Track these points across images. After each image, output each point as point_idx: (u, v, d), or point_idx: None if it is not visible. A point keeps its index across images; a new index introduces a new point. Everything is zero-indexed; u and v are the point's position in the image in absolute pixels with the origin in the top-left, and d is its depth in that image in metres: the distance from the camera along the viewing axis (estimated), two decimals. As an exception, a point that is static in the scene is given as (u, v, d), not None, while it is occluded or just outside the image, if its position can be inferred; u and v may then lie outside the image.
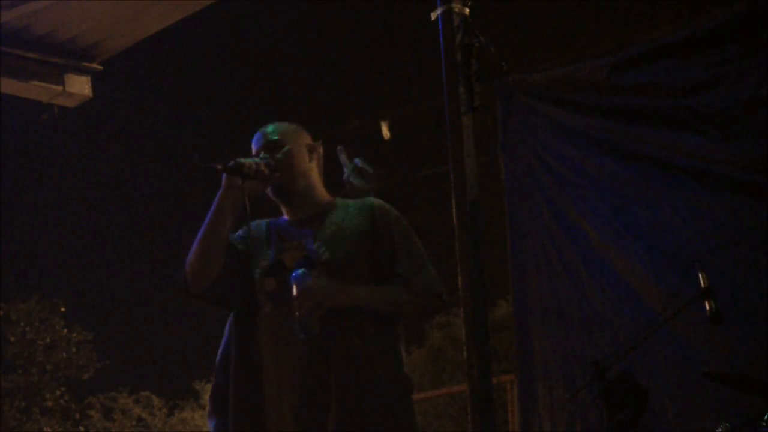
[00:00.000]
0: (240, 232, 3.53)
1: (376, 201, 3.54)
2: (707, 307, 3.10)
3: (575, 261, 3.95)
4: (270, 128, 3.57)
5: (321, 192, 3.56)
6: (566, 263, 3.98)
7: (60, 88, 5.37)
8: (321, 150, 3.64)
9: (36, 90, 5.37)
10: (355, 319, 3.31)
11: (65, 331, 20.95)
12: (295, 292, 3.26)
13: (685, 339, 3.61)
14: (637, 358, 3.51)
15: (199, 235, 3.41)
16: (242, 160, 3.36)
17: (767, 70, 3.51)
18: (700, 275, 3.13)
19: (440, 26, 3.74)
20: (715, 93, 3.62)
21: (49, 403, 20.45)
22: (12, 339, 20.29)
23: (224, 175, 3.36)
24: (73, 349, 20.95)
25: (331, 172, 3.71)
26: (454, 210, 3.52)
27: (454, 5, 3.70)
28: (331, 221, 3.47)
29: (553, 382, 3.94)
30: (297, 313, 3.25)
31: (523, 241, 4.10)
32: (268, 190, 3.49)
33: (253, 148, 3.54)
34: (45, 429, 20.12)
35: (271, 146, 3.50)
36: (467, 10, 3.76)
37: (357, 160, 4.13)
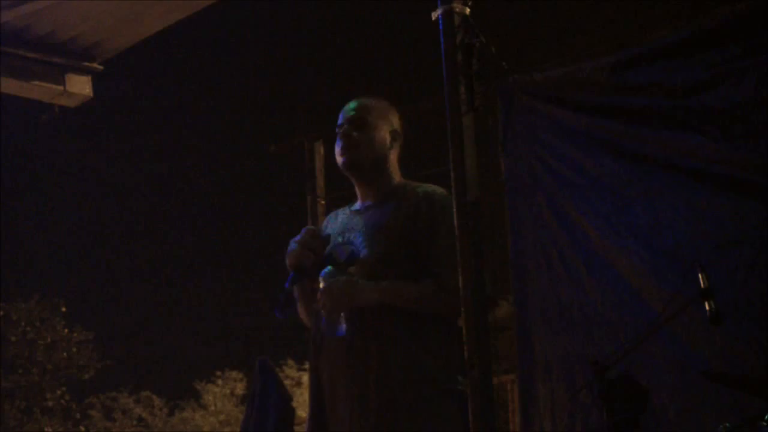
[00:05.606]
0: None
1: (429, 190, 3.42)
2: (707, 307, 3.09)
3: (575, 261, 3.95)
4: (353, 104, 3.46)
5: (392, 178, 3.45)
6: (566, 263, 3.97)
7: (61, 87, 5.38)
8: (402, 136, 3.54)
9: (37, 90, 5.38)
10: (387, 318, 3.22)
11: (66, 330, 20.99)
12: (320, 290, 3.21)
13: (685, 339, 3.61)
14: (637, 358, 3.51)
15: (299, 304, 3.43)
16: (295, 262, 3.27)
17: (767, 70, 3.51)
18: (700, 275, 3.13)
19: (440, 26, 3.73)
20: (715, 93, 3.62)
21: (50, 403, 20.47)
22: (13, 339, 20.31)
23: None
24: (74, 349, 20.97)
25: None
26: (454, 210, 3.50)
27: (454, 5, 3.70)
28: (383, 212, 3.37)
29: (554, 382, 3.94)
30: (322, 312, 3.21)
31: (523, 241, 4.10)
32: (341, 165, 3.41)
33: (338, 120, 3.46)
34: (45, 429, 20.14)
35: (350, 122, 3.41)
36: (468, 10, 3.75)
37: None
